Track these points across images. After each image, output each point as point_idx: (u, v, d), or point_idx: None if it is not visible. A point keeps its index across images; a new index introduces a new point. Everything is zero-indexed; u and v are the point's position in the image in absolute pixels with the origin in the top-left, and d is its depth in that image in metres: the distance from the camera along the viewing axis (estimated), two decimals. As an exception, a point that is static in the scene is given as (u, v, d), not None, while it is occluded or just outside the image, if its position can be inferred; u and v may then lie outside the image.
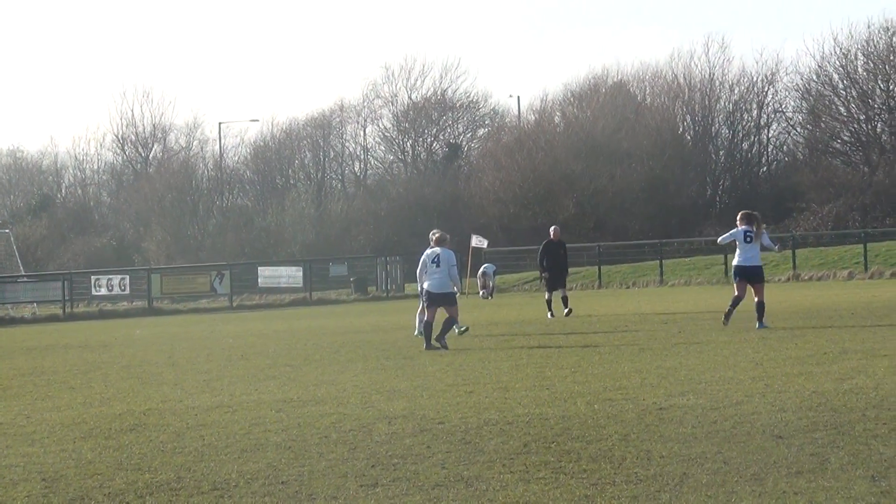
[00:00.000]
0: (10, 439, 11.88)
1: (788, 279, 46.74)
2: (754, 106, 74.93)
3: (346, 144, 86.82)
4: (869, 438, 9.65)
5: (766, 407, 11.47)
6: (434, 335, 20.50)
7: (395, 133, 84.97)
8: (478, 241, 50.68)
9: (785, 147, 76.57)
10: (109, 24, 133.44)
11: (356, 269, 57.17)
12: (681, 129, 75.70)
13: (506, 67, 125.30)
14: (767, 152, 76.82)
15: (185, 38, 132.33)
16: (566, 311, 28.69)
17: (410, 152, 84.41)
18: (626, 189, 70.29)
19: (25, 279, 56.66)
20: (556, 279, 29.34)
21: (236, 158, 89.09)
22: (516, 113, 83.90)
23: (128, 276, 56.39)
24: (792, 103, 75.03)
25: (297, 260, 63.15)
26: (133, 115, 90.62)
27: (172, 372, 18.69)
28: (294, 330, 29.81)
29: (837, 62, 70.21)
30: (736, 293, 21.83)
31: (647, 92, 78.32)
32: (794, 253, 48.71)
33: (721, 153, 75.89)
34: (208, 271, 56.35)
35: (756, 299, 21.41)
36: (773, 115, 75.57)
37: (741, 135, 75.35)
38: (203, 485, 9.10)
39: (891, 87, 69.25)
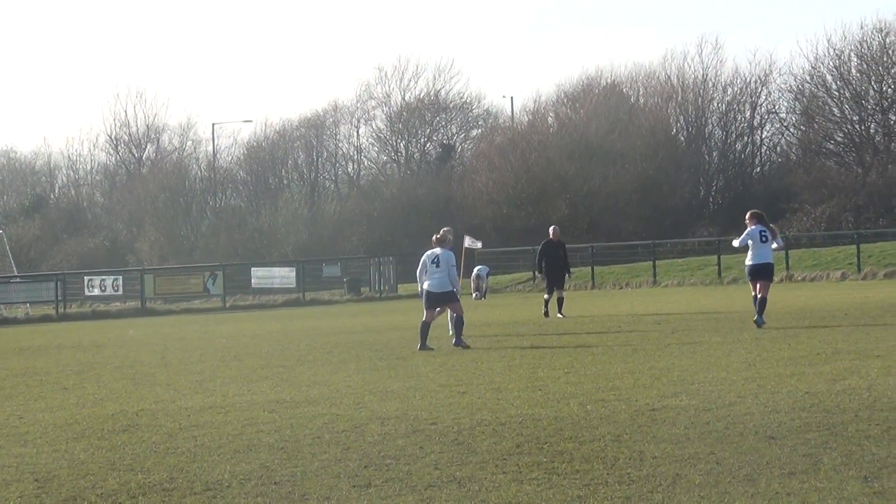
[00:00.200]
0: (2, 440, 11.87)
1: (782, 280, 46.72)
2: (748, 107, 75.04)
3: (340, 145, 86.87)
4: (861, 439, 9.66)
5: (758, 408, 11.48)
6: (451, 340, 20.81)
7: (388, 134, 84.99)
8: (471, 243, 50.51)
9: (778, 148, 76.72)
10: (103, 25, 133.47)
11: (349, 269, 57.14)
12: (674, 130, 75.76)
13: (499, 68, 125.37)
14: (761, 153, 76.94)
15: (179, 39, 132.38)
16: (559, 313, 28.67)
17: (404, 153, 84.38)
18: (620, 190, 70.30)
19: (18, 280, 56.65)
20: (555, 280, 29.27)
21: (229, 159, 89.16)
22: (509, 114, 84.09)
23: (121, 277, 56.42)
24: (785, 104, 75.28)
25: (290, 260, 63.11)
26: (126, 115, 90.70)
27: (165, 373, 18.68)
28: (287, 330, 29.79)
29: (831, 63, 70.36)
30: (753, 293, 22.02)
31: (641, 93, 78.43)
32: (787, 253, 48.73)
33: (714, 154, 75.94)
34: (201, 272, 56.35)
35: (760, 294, 21.61)
36: (766, 116, 75.80)
37: (734, 136, 75.44)
38: (196, 485, 9.09)
39: (884, 88, 69.37)
